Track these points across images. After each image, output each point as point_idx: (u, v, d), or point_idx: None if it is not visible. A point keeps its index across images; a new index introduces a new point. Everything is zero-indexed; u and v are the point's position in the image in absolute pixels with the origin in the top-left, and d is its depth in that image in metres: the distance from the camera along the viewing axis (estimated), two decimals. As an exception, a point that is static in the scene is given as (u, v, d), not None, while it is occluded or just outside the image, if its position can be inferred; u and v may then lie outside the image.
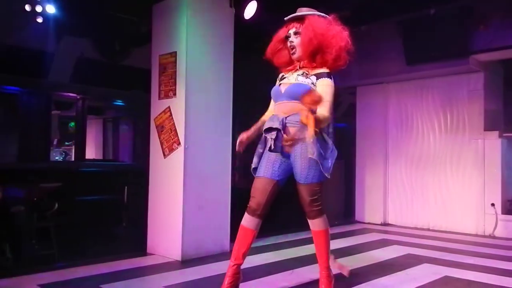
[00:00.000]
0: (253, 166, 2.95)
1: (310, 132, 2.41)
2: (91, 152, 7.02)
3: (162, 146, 4.33)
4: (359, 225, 6.56)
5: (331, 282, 2.88)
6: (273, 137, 2.75)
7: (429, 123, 6.42)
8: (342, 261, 4.08)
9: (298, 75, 2.86)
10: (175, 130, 4.18)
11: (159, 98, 4.38)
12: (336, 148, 2.85)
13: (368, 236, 5.64)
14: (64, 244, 4.42)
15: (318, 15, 2.86)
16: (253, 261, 3.96)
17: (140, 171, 4.86)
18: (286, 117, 2.78)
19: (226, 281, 2.81)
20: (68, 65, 5.12)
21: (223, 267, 3.78)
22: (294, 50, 2.87)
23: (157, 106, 4.41)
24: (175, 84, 4.20)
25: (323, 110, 2.69)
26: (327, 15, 2.87)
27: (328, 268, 2.89)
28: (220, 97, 4.42)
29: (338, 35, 2.80)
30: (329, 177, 2.78)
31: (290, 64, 2.96)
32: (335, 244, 4.90)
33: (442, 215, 6.17)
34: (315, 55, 2.82)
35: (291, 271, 3.71)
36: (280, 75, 3.03)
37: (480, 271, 3.87)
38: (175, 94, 4.21)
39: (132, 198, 5.32)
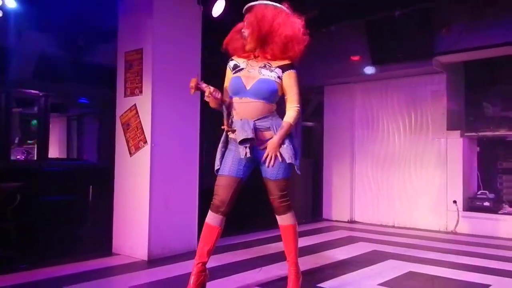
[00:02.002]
0: (216, 167, 2.90)
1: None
2: (55, 151, 6.82)
3: (128, 145, 4.25)
4: (326, 222, 6.64)
5: (299, 279, 2.90)
6: (248, 145, 2.73)
7: (394, 123, 6.56)
8: (310, 258, 4.13)
9: (260, 67, 2.81)
10: (141, 128, 4.12)
11: (125, 95, 4.30)
12: (301, 146, 2.88)
13: (335, 234, 5.71)
14: (27, 246, 4.28)
15: (267, 5, 2.80)
16: (221, 259, 3.95)
17: (106, 170, 4.75)
18: (255, 122, 2.76)
19: (192, 279, 2.78)
20: (30, 61, 4.95)
21: (190, 266, 3.73)
22: (246, 41, 2.82)
23: (122, 104, 4.32)
24: (141, 81, 4.13)
25: (294, 104, 2.81)
26: (279, 5, 2.81)
27: (296, 265, 2.90)
28: (187, 95, 4.36)
29: (285, 24, 2.73)
30: (299, 173, 2.83)
31: (244, 50, 2.88)
32: (303, 242, 4.94)
33: (407, 212, 6.31)
34: (264, 46, 2.78)
35: (259, 268, 3.71)
36: (232, 64, 2.92)
37: (443, 266, 3.98)
38: (141, 92, 4.14)
39: (97, 198, 5.20)
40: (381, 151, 6.63)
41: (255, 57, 2.86)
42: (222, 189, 2.80)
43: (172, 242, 4.17)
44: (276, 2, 2.86)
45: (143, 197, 4.05)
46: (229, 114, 2.81)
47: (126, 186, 4.25)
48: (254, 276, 3.50)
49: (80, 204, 5.19)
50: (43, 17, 4.79)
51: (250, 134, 2.71)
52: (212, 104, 2.83)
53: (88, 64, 5.37)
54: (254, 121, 2.75)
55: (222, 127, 2.82)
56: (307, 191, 7.01)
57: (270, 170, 2.79)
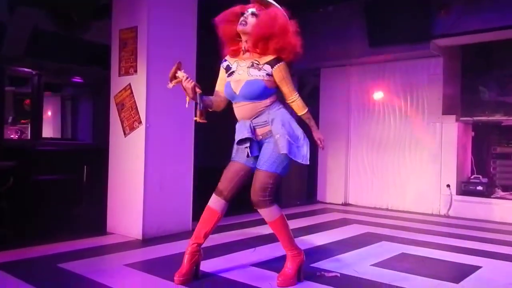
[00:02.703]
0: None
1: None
2: (49, 130, 6.77)
3: (122, 125, 4.22)
4: (320, 205, 6.68)
5: (296, 257, 2.86)
6: (247, 145, 2.76)
7: (389, 107, 6.55)
8: (304, 239, 4.16)
9: (248, 67, 2.77)
10: (136, 108, 4.09)
11: (119, 74, 4.26)
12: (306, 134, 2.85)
13: (329, 216, 5.75)
14: (21, 224, 4.29)
15: (283, 12, 2.79)
16: (215, 239, 3.97)
17: (100, 150, 4.73)
18: (251, 121, 2.78)
19: (186, 259, 2.80)
20: (22, 37, 4.86)
21: (184, 246, 3.75)
22: (244, 23, 2.72)
23: (117, 83, 4.28)
24: (136, 60, 4.09)
25: (293, 94, 2.85)
26: (287, 16, 2.81)
27: (292, 249, 2.87)
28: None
29: (293, 34, 2.76)
30: (307, 163, 2.79)
31: (233, 40, 2.84)
32: (298, 223, 4.98)
33: (400, 195, 6.36)
34: (260, 42, 2.74)
35: (253, 249, 3.74)
36: (225, 65, 2.90)
37: (434, 248, 4.02)
38: (136, 71, 4.10)
39: (91, 178, 5.19)
40: (376, 135, 6.63)
41: (244, 52, 2.82)
42: (230, 175, 2.83)
43: (166, 222, 4.18)
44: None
45: (137, 177, 4.04)
46: (205, 106, 2.77)
47: (120, 166, 4.24)
48: (248, 256, 3.52)
49: (75, 184, 5.18)
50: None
51: (245, 134, 2.74)
52: (188, 93, 2.71)
53: (83, 41, 5.28)
54: (251, 120, 2.78)
55: (194, 118, 2.76)
56: (302, 174, 7.03)
57: (259, 159, 2.78)
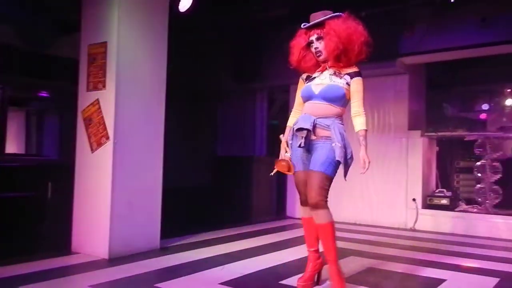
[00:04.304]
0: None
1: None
2: (13, 146, 6.60)
3: (89, 140, 4.14)
4: (290, 220, 6.69)
5: (340, 281, 2.91)
6: (304, 135, 2.89)
7: (357, 122, 6.65)
8: (273, 255, 4.16)
9: (330, 74, 2.97)
10: (104, 123, 4.02)
11: (88, 90, 4.19)
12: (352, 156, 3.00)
13: (298, 231, 5.74)
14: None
15: (334, 16, 2.92)
16: (183, 257, 3.93)
17: (66, 166, 4.63)
18: (316, 118, 2.90)
19: (308, 266, 3.02)
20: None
21: (152, 264, 3.72)
22: (319, 53, 2.95)
23: (85, 98, 4.21)
24: (104, 75, 4.04)
25: (361, 109, 2.96)
26: (340, 14, 2.94)
27: (336, 265, 2.93)
28: (153, 90, 4.31)
29: (357, 31, 2.90)
30: (345, 179, 2.99)
31: (317, 66, 3.05)
32: (267, 239, 4.98)
33: (368, 210, 6.44)
34: (340, 56, 2.91)
35: (221, 266, 3.71)
36: (305, 76, 3.13)
37: (401, 262, 4.08)
38: (104, 86, 4.04)
39: (56, 195, 5.06)
40: (344, 150, 6.71)
41: (329, 67, 2.99)
42: (301, 186, 3.03)
43: (134, 240, 4.09)
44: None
45: (105, 194, 3.96)
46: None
47: (87, 183, 4.15)
48: (216, 274, 3.48)
49: (39, 201, 5.03)
50: (2, 7, 4.61)
51: (307, 125, 2.87)
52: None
53: (50, 56, 5.20)
54: (316, 118, 2.90)
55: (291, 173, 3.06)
56: (271, 189, 7.05)
57: (314, 161, 2.90)
